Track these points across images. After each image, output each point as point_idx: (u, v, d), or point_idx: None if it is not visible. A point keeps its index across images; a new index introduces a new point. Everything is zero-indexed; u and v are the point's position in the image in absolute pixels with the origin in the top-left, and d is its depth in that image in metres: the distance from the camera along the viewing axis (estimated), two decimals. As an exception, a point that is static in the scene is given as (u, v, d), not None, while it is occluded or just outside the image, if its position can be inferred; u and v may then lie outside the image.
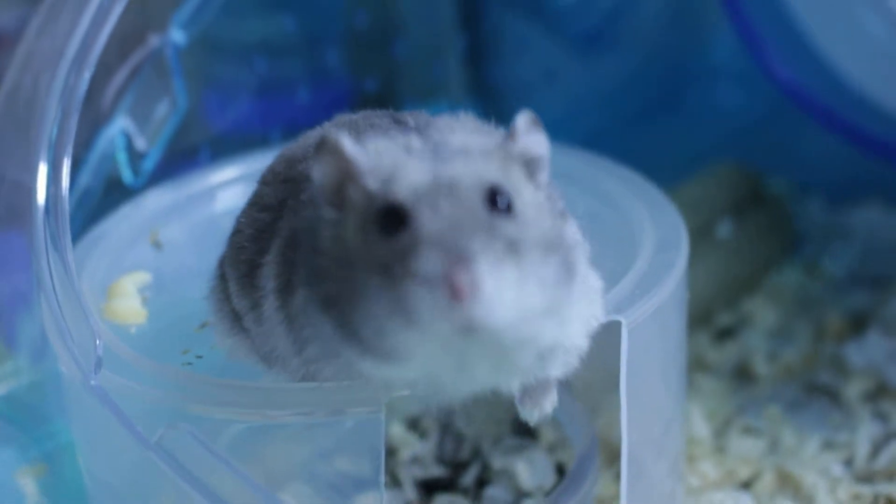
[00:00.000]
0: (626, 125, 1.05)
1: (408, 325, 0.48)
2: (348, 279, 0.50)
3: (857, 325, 0.91)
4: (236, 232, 0.60)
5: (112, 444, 0.57)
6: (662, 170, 0.98)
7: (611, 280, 0.59)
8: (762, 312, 0.93)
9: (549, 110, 1.02)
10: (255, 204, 0.59)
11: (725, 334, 0.92)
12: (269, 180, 0.60)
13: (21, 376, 0.73)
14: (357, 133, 0.56)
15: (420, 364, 0.50)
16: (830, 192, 1.04)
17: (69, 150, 0.57)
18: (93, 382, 0.53)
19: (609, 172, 0.74)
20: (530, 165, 0.54)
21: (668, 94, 1.06)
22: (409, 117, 0.58)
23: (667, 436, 0.66)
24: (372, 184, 0.50)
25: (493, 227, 0.49)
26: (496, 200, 0.50)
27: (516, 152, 0.53)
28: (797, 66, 0.91)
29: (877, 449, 0.79)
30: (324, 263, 0.51)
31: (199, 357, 0.58)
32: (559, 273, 0.50)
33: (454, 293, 0.46)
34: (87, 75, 0.60)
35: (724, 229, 0.95)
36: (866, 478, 0.77)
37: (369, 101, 0.94)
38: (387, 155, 0.51)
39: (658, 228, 0.67)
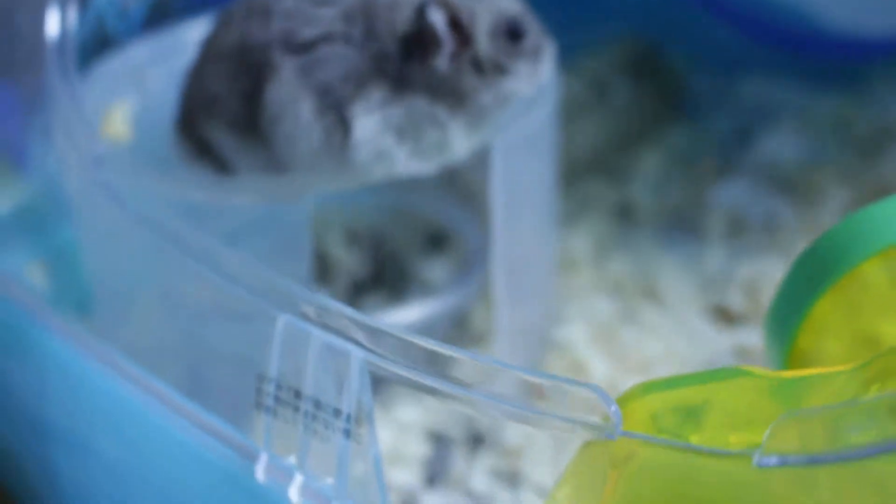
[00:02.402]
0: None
1: (536, 79, 0.77)
2: (478, 77, 0.74)
3: (727, 171, 1.06)
4: (213, 99, 0.74)
5: (110, 234, 0.74)
6: (567, 39, 1.14)
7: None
8: (648, 161, 1.07)
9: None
10: (219, 75, 0.75)
11: (614, 178, 1.06)
12: (232, 56, 0.75)
13: (27, 191, 0.89)
14: None
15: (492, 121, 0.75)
16: (723, 64, 1.16)
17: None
18: (94, 175, 0.70)
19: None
20: None
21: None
22: None
23: (539, 242, 0.84)
24: (489, 16, 0.74)
25: None
26: None
27: None
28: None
29: (724, 269, 0.95)
30: (446, 74, 0.73)
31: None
32: None
33: None
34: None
35: (619, 92, 1.10)
36: (712, 290, 0.93)
37: None
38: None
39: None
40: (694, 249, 0.98)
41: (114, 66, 0.86)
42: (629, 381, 0.82)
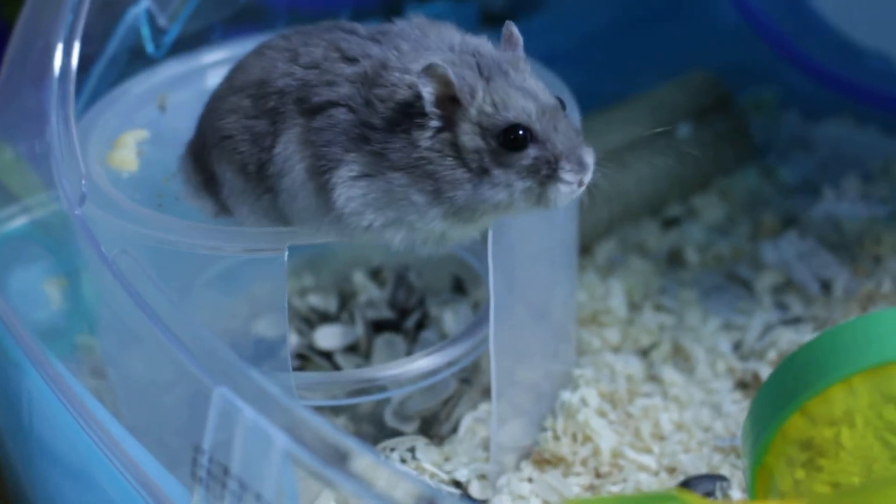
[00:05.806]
0: (628, 27, 1.16)
1: (539, 205, 0.68)
2: (456, 168, 0.67)
3: (788, 226, 1.01)
4: (227, 137, 0.72)
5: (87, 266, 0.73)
6: (647, 72, 1.10)
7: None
8: (708, 209, 1.03)
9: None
10: (237, 111, 0.73)
11: (670, 224, 1.02)
12: (252, 94, 0.72)
13: (48, 207, 0.90)
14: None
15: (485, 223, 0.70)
16: (804, 106, 1.13)
17: (79, 33, 0.73)
18: (77, 212, 0.69)
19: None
20: None
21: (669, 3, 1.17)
22: (361, 28, 0.72)
23: (550, 302, 0.81)
24: (489, 109, 0.67)
25: (578, 132, 0.69)
26: (565, 107, 0.69)
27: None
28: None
29: (764, 334, 0.91)
30: (425, 154, 0.67)
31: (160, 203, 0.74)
32: None
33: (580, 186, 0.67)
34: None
35: (684, 132, 1.05)
36: (744, 357, 0.88)
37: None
38: (472, 78, 0.68)
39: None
40: (739, 308, 0.94)
41: (137, 87, 0.85)
42: (636, 457, 0.80)
